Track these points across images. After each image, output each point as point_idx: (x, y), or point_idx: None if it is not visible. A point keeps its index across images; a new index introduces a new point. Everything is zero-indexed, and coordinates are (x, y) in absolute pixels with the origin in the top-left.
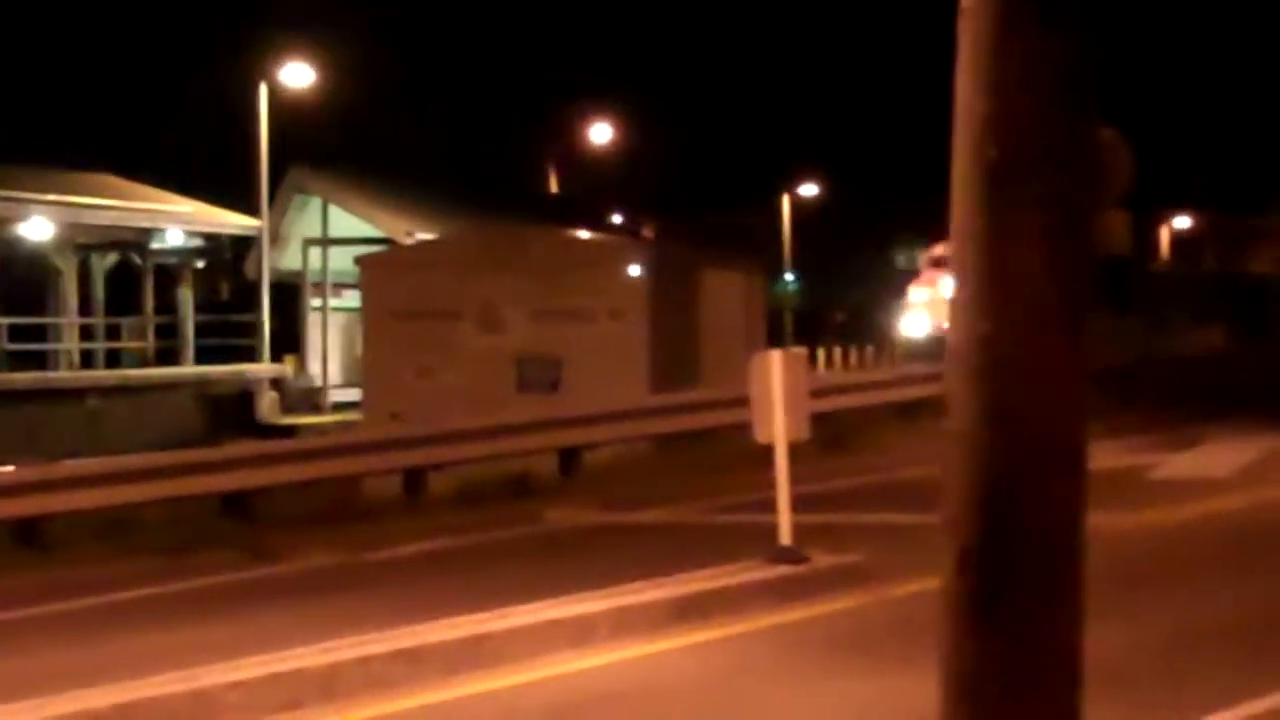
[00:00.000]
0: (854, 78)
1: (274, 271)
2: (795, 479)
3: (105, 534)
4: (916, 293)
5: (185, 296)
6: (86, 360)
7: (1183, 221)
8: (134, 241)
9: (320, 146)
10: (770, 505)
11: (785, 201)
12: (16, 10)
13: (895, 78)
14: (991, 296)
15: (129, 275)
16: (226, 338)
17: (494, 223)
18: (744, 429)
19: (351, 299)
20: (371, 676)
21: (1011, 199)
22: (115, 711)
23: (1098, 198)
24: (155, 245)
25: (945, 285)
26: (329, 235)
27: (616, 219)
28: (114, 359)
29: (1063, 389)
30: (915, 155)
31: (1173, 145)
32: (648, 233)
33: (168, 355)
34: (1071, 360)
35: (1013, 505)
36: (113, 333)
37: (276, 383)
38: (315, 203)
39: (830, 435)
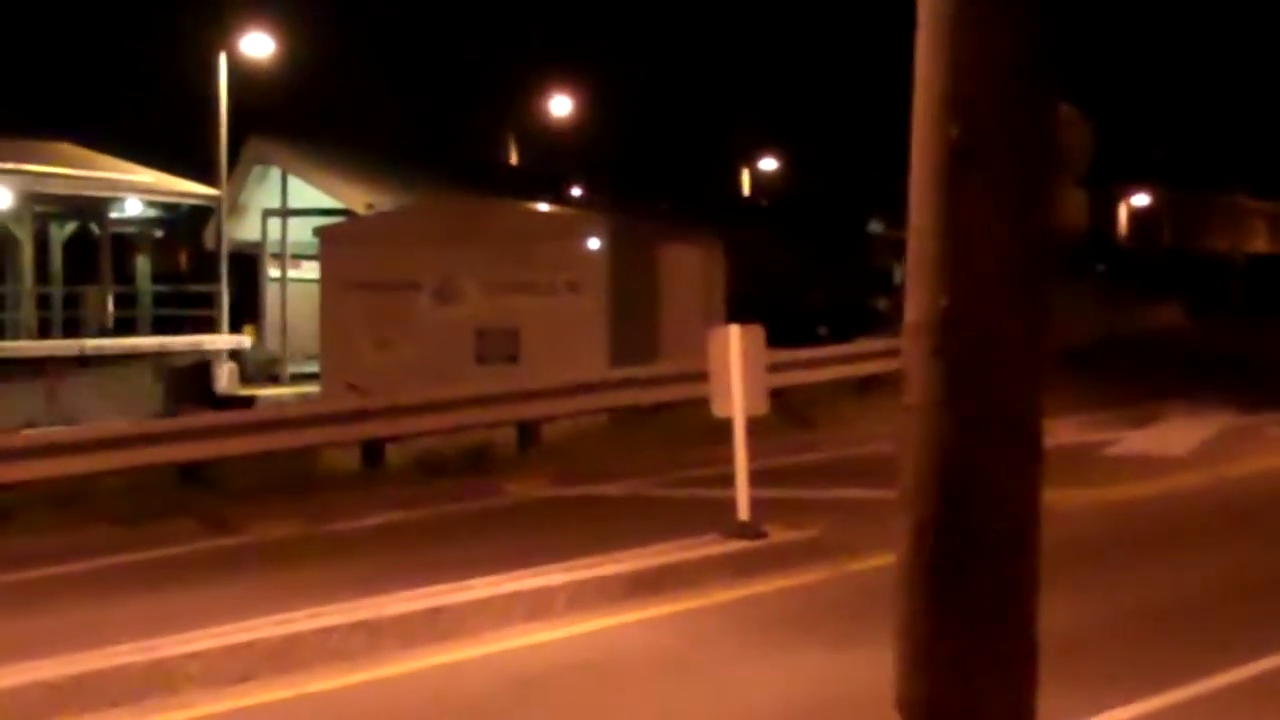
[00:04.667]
0: (815, 51)
1: (233, 242)
2: (753, 454)
3: (62, 504)
4: None
5: (144, 267)
6: (44, 330)
7: (1141, 198)
8: (92, 211)
9: (280, 117)
10: (728, 480)
11: (745, 175)
12: None
13: (856, 52)
14: (950, 273)
15: (87, 245)
16: (185, 308)
17: (453, 195)
18: (702, 403)
19: (310, 270)
20: (329, 648)
21: (971, 176)
22: (71, 682)
23: (1056, 174)
24: (114, 215)
25: None
26: (288, 206)
27: (575, 191)
28: (71, 329)
29: (1020, 364)
30: (877, 131)
31: (1131, 120)
32: (605, 205)
33: (126, 325)
34: (1029, 336)
35: (968, 479)
36: (70, 302)
37: (235, 354)
38: (275, 173)
39: (789, 410)
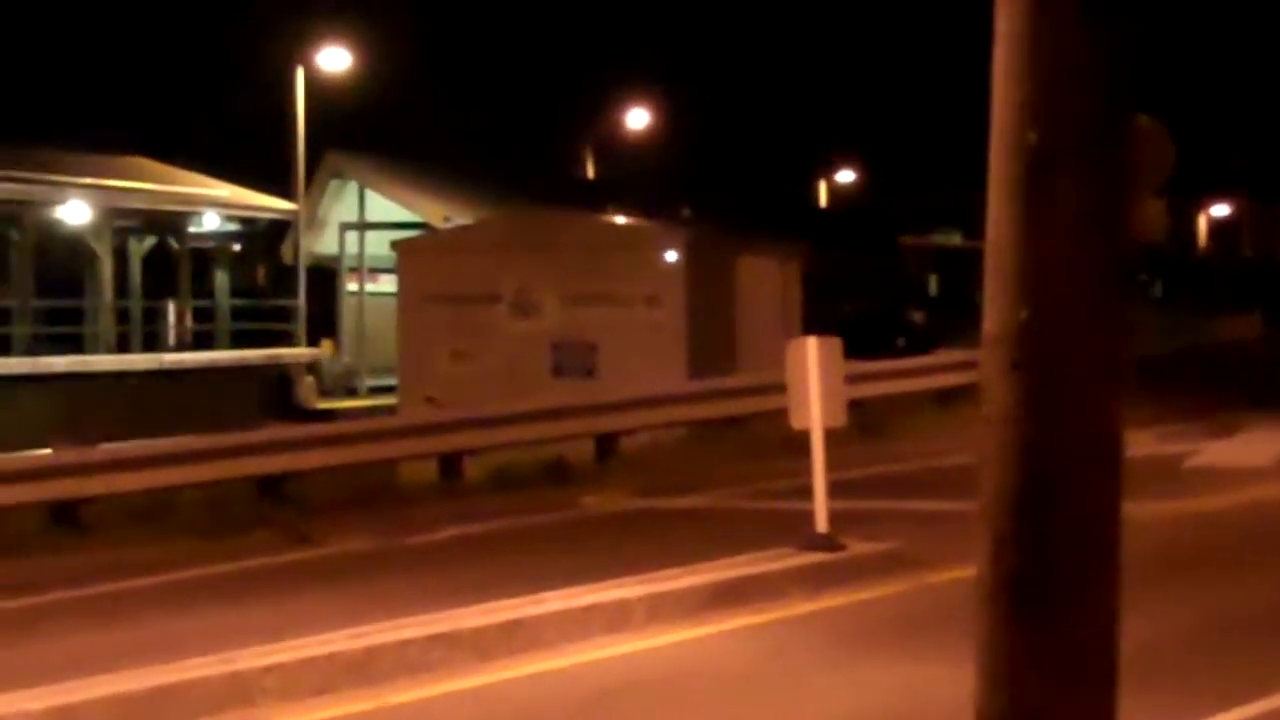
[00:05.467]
0: (893, 64)
1: (311, 256)
2: (831, 465)
3: (142, 517)
4: None
5: (222, 281)
6: (123, 344)
7: (1221, 209)
8: (171, 225)
9: (357, 131)
10: (806, 492)
11: (822, 187)
12: None
13: (934, 64)
14: (1028, 283)
15: (166, 259)
16: (263, 322)
17: (530, 207)
18: (780, 415)
19: (388, 283)
20: (407, 661)
21: (1049, 186)
22: (150, 694)
23: (1136, 185)
24: (192, 229)
25: None
26: (365, 220)
27: (653, 204)
28: (150, 343)
29: (1100, 376)
30: (953, 143)
31: (1211, 131)
32: (685, 216)
33: (204, 339)
34: (1109, 347)
35: (1048, 493)
36: (149, 316)
37: (313, 367)
38: (352, 187)
39: (867, 422)
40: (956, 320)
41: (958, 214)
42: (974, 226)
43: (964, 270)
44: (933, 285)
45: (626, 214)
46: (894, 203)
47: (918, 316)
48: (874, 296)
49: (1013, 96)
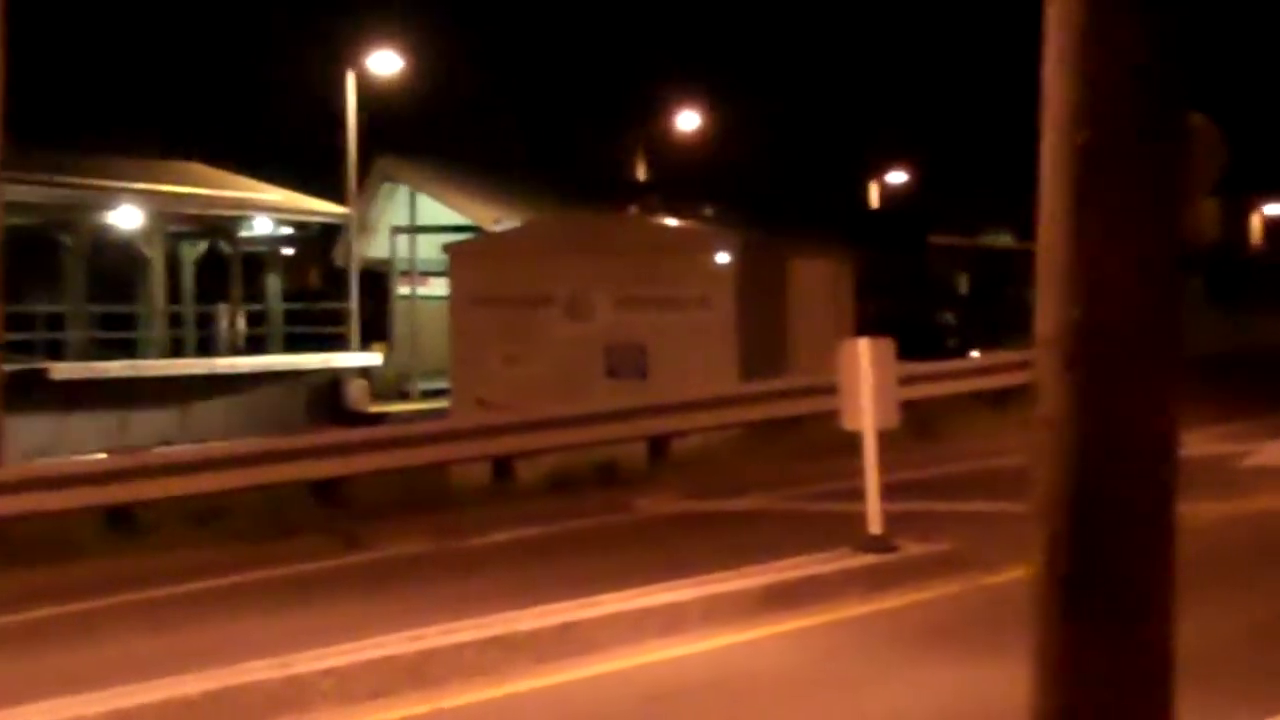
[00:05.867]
0: (945, 65)
1: (362, 259)
2: (884, 467)
3: (196, 521)
4: None
5: (274, 285)
6: (176, 349)
7: (1274, 208)
8: (223, 229)
9: (407, 134)
10: (859, 493)
11: (873, 189)
12: None
13: (986, 64)
14: (1081, 284)
15: (218, 263)
16: (315, 326)
17: (581, 210)
18: (832, 417)
19: (440, 286)
20: (462, 664)
21: (1100, 185)
22: (207, 698)
23: (1189, 185)
24: (244, 233)
25: None
26: (417, 223)
27: (705, 206)
28: (203, 347)
29: (1153, 375)
30: (1004, 143)
31: (1264, 130)
32: (708, 214)
33: (257, 343)
34: (1162, 347)
35: (1102, 493)
36: (202, 321)
37: (365, 371)
38: (403, 191)
39: (920, 423)
40: (989, 319)
41: (1009, 215)
42: (1025, 227)
43: (997, 269)
44: (963, 284)
45: (678, 216)
46: (944, 203)
47: (948, 317)
48: (902, 296)
49: (1064, 96)
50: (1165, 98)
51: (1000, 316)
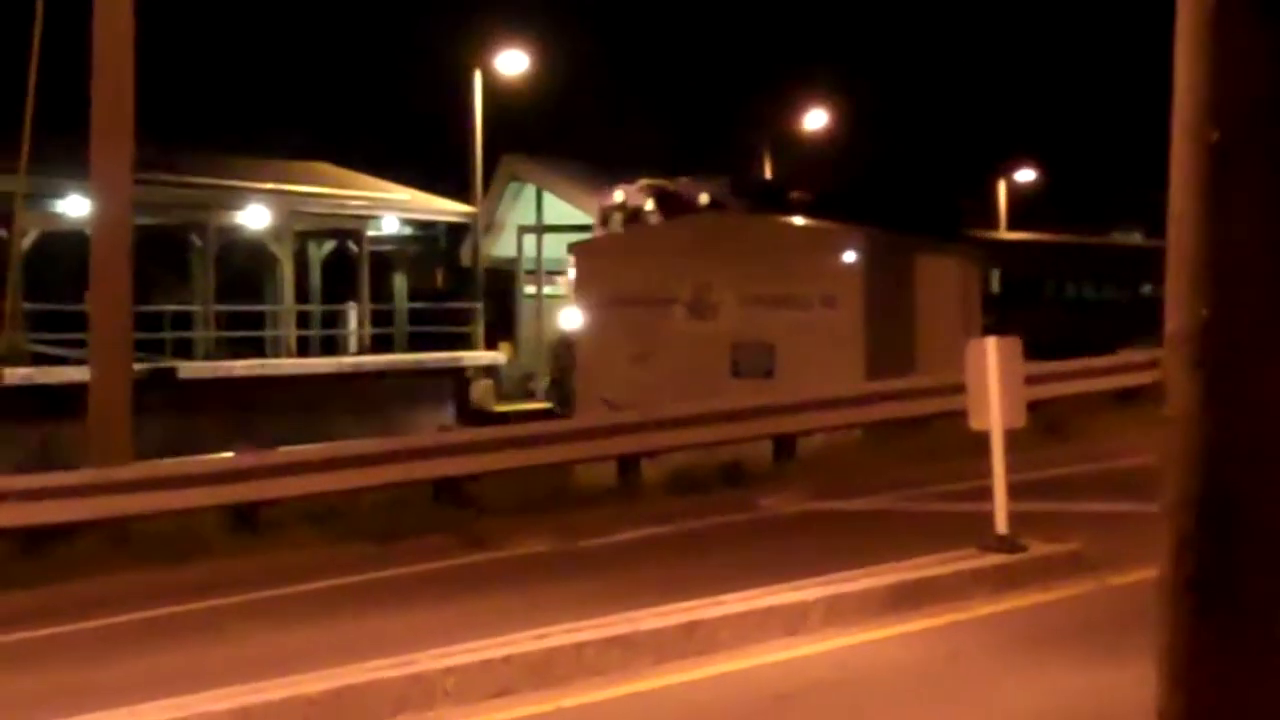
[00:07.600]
0: (1075, 63)
1: (489, 259)
2: (1011, 467)
3: (320, 520)
4: None
5: (400, 284)
6: (303, 348)
7: None
8: (350, 229)
9: (534, 133)
10: (986, 493)
11: (1001, 187)
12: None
13: (1117, 61)
14: (1211, 281)
15: (345, 263)
16: (441, 325)
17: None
18: (959, 416)
19: (565, 286)
20: (584, 663)
21: (1231, 182)
22: (329, 696)
23: None
24: (371, 233)
25: None
26: (543, 222)
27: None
28: (330, 346)
29: None
30: (1135, 140)
31: None
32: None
33: (383, 343)
34: None
35: (1233, 494)
36: (329, 320)
37: (491, 370)
38: (529, 190)
39: (1047, 422)
40: (1021, 318)
41: (1140, 212)
42: (1156, 224)
43: (1033, 266)
44: (993, 281)
45: (804, 215)
46: (1075, 202)
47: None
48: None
49: (1194, 92)
50: None
51: (1131, 315)
